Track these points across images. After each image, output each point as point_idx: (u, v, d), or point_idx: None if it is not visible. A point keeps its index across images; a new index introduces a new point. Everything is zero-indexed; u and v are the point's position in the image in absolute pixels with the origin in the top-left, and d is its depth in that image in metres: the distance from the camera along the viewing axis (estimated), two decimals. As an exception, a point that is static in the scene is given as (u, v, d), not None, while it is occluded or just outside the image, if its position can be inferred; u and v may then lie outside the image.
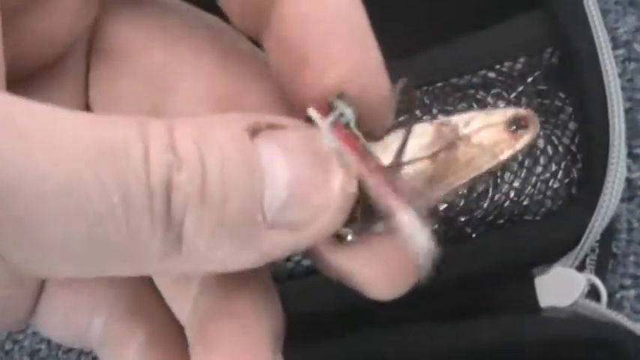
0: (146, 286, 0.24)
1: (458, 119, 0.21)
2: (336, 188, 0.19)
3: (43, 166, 0.16)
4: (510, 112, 0.21)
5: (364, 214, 0.20)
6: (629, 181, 0.44)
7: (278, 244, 0.19)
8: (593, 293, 0.39)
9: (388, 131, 0.21)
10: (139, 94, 0.23)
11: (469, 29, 0.41)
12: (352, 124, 0.19)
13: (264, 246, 0.18)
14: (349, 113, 0.19)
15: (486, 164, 0.20)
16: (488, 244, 0.38)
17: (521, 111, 0.21)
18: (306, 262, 0.40)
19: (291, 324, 0.38)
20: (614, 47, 0.44)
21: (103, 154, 0.17)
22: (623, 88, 0.43)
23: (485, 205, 0.39)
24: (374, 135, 0.21)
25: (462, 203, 0.39)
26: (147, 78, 0.23)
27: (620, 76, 0.44)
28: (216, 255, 0.18)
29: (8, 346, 0.47)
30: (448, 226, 0.39)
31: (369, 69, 0.20)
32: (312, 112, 0.19)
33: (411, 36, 0.41)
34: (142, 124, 0.18)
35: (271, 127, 0.19)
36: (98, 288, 0.24)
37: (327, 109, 0.19)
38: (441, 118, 0.21)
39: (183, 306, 0.23)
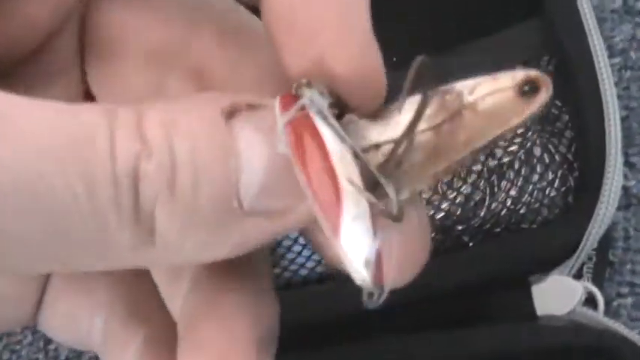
0: (146, 285, 0.23)
1: (462, 86, 0.19)
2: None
3: (2, 158, 0.16)
4: (520, 74, 0.19)
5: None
6: (625, 189, 0.44)
7: (256, 232, 0.18)
8: (590, 301, 0.39)
9: (386, 105, 0.20)
10: (139, 75, 0.22)
11: (466, 39, 0.41)
12: (324, 110, 0.18)
13: (241, 234, 0.17)
14: (318, 99, 0.18)
15: (495, 131, 0.19)
16: (485, 253, 0.38)
17: (532, 72, 0.19)
18: (303, 272, 0.40)
19: (289, 333, 0.38)
20: (610, 55, 0.45)
21: (68, 144, 0.16)
22: (619, 97, 0.43)
23: (482, 213, 0.39)
24: (366, 111, 0.19)
25: (459, 212, 0.39)
26: (145, 59, 0.22)
27: (617, 84, 0.44)
28: (190, 245, 0.17)
29: (5, 355, 0.47)
30: (445, 234, 0.39)
31: (357, 37, 0.19)
32: (276, 105, 0.18)
33: (408, 46, 0.41)
34: (109, 111, 0.17)
35: (251, 107, 0.18)
36: (98, 288, 0.23)
37: (295, 97, 0.18)
38: (445, 86, 0.19)
39: (176, 304, 0.22)
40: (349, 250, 0.16)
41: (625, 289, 0.43)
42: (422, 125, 0.19)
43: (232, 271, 0.21)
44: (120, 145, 0.16)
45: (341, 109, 0.19)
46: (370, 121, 0.19)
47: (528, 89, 0.19)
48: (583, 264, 0.39)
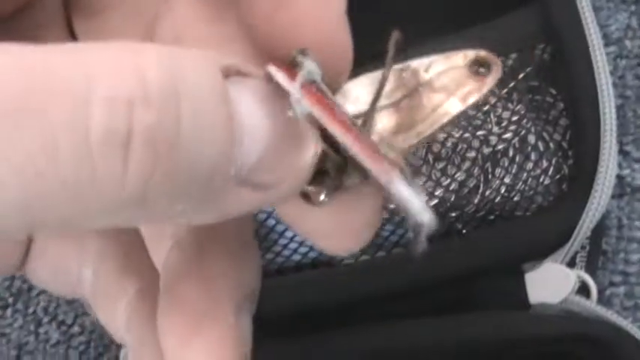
0: (136, 237, 0.23)
1: (418, 64, 0.20)
2: (311, 150, 0.17)
3: None
4: (471, 53, 0.20)
5: (335, 170, 0.19)
6: (619, 178, 0.44)
7: (244, 203, 0.17)
8: (583, 289, 0.39)
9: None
10: (127, 28, 0.21)
11: (461, 26, 0.41)
12: (319, 80, 0.18)
13: (230, 203, 0.17)
14: (315, 68, 0.17)
15: (454, 109, 0.19)
16: (479, 240, 0.38)
17: (482, 53, 0.20)
18: (296, 258, 0.40)
19: (282, 319, 0.38)
20: (606, 44, 0.44)
21: (53, 86, 0.14)
22: (614, 85, 0.43)
23: (476, 200, 0.39)
24: (331, 87, 0.19)
25: (452, 199, 0.39)
26: (132, 11, 0.21)
27: (612, 73, 0.44)
28: (179, 209, 0.16)
29: (-5, 339, 0.47)
30: (438, 221, 0.39)
31: (333, 9, 0.19)
32: (274, 71, 0.17)
33: (403, 33, 0.40)
34: (104, 49, 0.15)
35: (240, 74, 0.17)
36: (86, 239, 0.23)
37: (289, 66, 0.18)
38: (400, 64, 0.20)
39: (159, 259, 0.22)
40: (408, 197, 0.15)
41: (618, 278, 0.43)
42: (382, 101, 0.19)
43: (215, 229, 0.20)
44: (110, 85, 0.14)
45: None
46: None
47: (480, 68, 0.20)
48: (576, 253, 0.39)
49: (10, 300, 0.48)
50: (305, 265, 0.41)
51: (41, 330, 0.47)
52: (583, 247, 0.40)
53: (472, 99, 0.20)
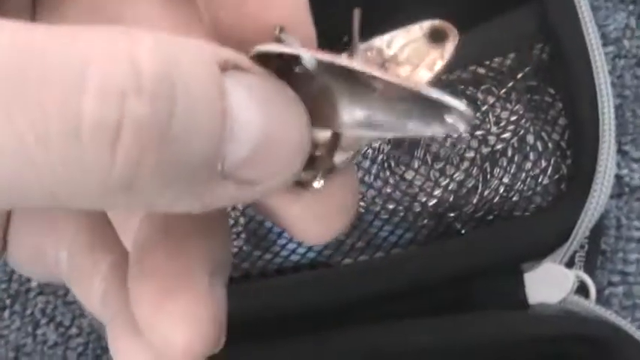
0: (106, 217, 0.23)
1: (379, 42, 0.20)
2: (305, 147, 0.17)
3: None
4: (426, 24, 0.20)
5: (326, 150, 0.19)
6: (618, 178, 0.44)
7: (229, 196, 0.17)
8: (582, 289, 0.39)
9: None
10: (90, 21, 0.21)
11: (459, 26, 0.41)
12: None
13: (215, 196, 0.17)
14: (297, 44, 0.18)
15: (424, 78, 0.20)
16: (478, 240, 0.38)
17: (436, 22, 0.20)
18: (294, 258, 0.40)
19: (280, 319, 0.38)
20: (604, 44, 0.44)
21: (43, 68, 0.14)
22: (612, 85, 0.43)
23: (475, 200, 0.39)
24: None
25: (451, 199, 0.39)
26: (90, 7, 0.21)
27: (610, 73, 0.44)
28: (162, 199, 0.16)
29: (-7, 341, 0.47)
30: (437, 221, 0.39)
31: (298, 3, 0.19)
32: (284, 36, 0.18)
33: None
34: (100, 33, 0.15)
35: (237, 68, 0.17)
36: (60, 221, 0.23)
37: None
38: (363, 44, 0.20)
39: (129, 236, 0.21)
40: (441, 95, 0.16)
41: (617, 278, 0.43)
42: None
43: None
44: (104, 73, 0.14)
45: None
46: None
47: (437, 37, 0.20)
48: (575, 252, 0.39)
49: (8, 302, 0.48)
50: (304, 265, 0.41)
51: (39, 332, 0.47)
52: (582, 247, 0.40)
53: (438, 66, 0.20)
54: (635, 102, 0.45)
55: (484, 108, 0.39)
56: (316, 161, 0.19)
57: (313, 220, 0.20)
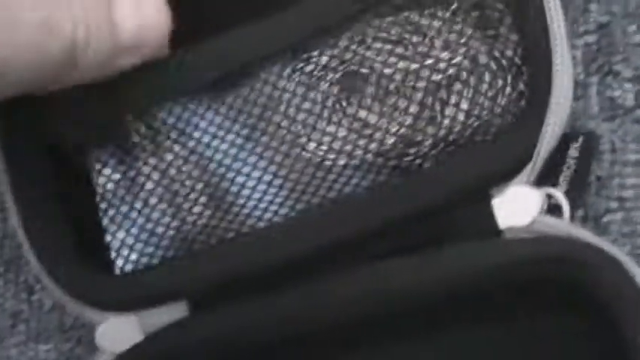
0: None
1: None
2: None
3: None
4: None
5: None
6: (610, 100, 0.43)
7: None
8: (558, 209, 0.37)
9: None
10: None
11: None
12: None
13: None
14: None
15: None
16: (441, 172, 0.37)
17: None
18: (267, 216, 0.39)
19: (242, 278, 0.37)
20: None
21: None
22: (597, 1, 0.41)
23: (434, 132, 0.37)
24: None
25: (409, 133, 0.37)
26: None
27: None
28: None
29: (-11, 309, 0.48)
30: (397, 158, 0.37)
31: None
32: None
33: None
34: None
35: None
36: None
37: None
38: None
39: None
40: None
41: (614, 204, 0.42)
42: None
43: None
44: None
45: None
46: None
47: None
48: (559, 172, 0.38)
49: (1, 269, 0.48)
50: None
51: (34, 297, 0.47)
52: (567, 167, 0.38)
53: None
54: (625, 18, 0.43)
55: (431, 34, 0.37)
56: None
57: None
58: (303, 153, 0.38)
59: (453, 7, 0.38)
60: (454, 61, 0.37)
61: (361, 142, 0.37)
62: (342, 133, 0.37)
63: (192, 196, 0.38)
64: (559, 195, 0.37)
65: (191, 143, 0.38)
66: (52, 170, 0.38)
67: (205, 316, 0.38)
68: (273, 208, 0.39)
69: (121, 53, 0.31)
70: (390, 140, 0.37)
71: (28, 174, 0.38)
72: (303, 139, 0.38)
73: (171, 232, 0.39)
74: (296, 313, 0.37)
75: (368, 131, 0.37)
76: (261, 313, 0.37)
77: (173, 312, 0.38)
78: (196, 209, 0.39)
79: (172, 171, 0.38)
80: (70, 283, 0.38)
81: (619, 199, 0.42)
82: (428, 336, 0.38)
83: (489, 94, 0.37)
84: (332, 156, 0.38)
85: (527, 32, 0.36)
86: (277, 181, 0.38)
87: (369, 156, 0.37)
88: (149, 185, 0.39)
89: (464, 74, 0.37)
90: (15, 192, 0.37)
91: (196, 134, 0.38)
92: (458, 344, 0.37)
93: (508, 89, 0.37)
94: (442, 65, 0.37)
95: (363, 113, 0.37)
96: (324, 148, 0.38)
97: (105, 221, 0.39)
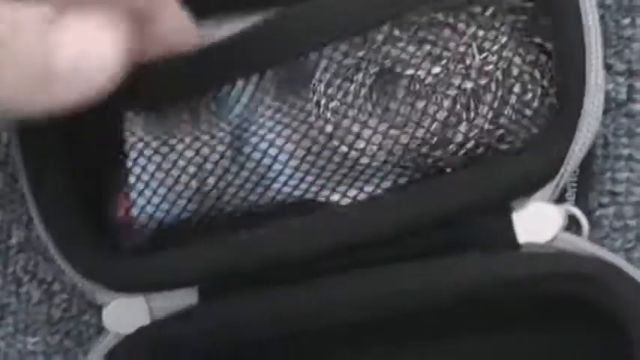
0: None
1: None
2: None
3: None
4: None
5: None
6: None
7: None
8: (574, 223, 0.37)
9: None
10: None
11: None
12: None
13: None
14: None
15: None
16: (464, 179, 0.37)
17: None
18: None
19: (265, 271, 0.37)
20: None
21: None
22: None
23: (459, 139, 0.37)
24: None
25: (435, 140, 0.37)
26: None
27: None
28: None
29: (-23, 300, 0.47)
30: (421, 161, 0.37)
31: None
32: None
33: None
34: None
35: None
36: None
37: None
38: None
39: None
40: None
41: (606, 199, 0.42)
42: None
43: None
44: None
45: None
46: None
47: None
48: (566, 185, 0.38)
49: None
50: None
51: (22, 290, 0.47)
52: (572, 180, 0.39)
53: None
54: (619, 11, 0.42)
55: (465, 38, 0.37)
56: None
57: None
58: (330, 142, 0.37)
59: (490, 10, 0.37)
60: (486, 69, 0.37)
61: (386, 142, 0.37)
62: (367, 132, 0.37)
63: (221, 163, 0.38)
64: (578, 212, 0.37)
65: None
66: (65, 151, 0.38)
67: (213, 306, 0.38)
68: (291, 189, 0.38)
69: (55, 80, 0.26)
70: (415, 143, 0.37)
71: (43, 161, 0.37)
72: (330, 128, 0.37)
73: (190, 193, 0.38)
74: (307, 311, 0.37)
75: (394, 132, 0.37)
76: (275, 307, 0.37)
77: (183, 297, 0.38)
78: (219, 171, 0.38)
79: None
80: (82, 262, 0.37)
81: (611, 193, 0.42)
82: (437, 342, 0.38)
83: (517, 105, 0.37)
84: (355, 154, 0.37)
85: (562, 45, 0.36)
86: (304, 166, 0.38)
87: (392, 158, 0.37)
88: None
89: (494, 84, 0.37)
90: (31, 183, 0.38)
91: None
92: (467, 353, 0.38)
93: (537, 102, 0.37)
94: (474, 73, 0.37)
95: (391, 115, 0.37)
96: (350, 140, 0.37)
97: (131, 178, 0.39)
